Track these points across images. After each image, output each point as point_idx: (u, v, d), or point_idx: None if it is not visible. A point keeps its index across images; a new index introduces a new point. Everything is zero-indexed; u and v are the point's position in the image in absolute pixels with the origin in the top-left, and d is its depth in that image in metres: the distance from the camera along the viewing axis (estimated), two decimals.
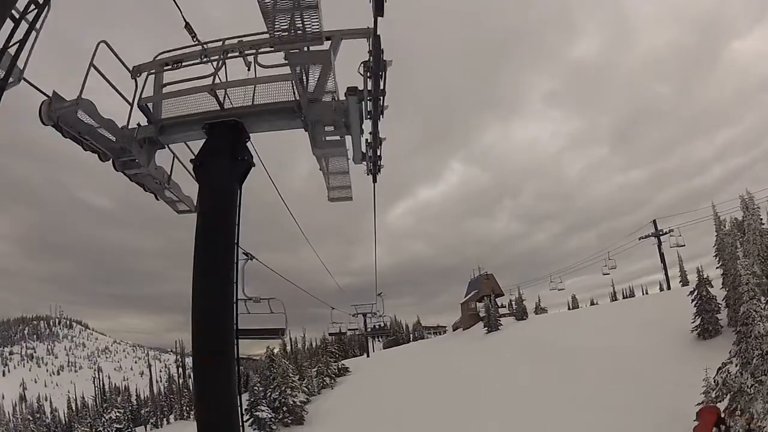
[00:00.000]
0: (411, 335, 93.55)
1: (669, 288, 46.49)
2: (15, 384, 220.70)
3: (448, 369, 41.33)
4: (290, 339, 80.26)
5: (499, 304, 65.57)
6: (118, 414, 52.48)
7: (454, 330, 73.14)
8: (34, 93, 5.22)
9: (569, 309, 73.02)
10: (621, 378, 26.02)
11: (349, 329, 68.94)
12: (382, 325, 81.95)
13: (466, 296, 68.43)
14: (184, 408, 62.67)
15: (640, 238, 47.86)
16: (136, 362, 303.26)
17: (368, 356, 71.70)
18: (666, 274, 47.28)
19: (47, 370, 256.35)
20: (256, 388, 40.62)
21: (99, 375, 76.30)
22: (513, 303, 56.22)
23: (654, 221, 48.19)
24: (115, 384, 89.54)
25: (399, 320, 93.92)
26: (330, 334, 58.73)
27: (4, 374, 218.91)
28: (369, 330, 75.02)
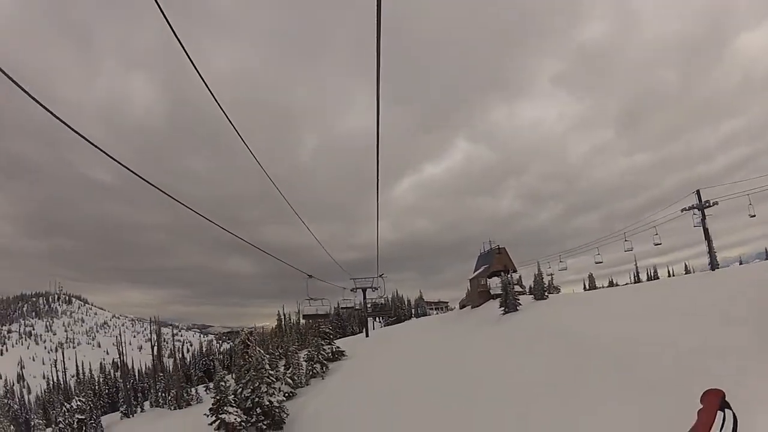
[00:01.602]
0: (413, 310, 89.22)
1: (715, 267, 39.58)
2: (13, 363, 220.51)
3: (459, 357, 34.44)
4: (283, 314, 75.42)
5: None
6: (80, 403, 45.93)
7: (461, 308, 66.80)
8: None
9: (585, 289, 68.32)
10: (687, 382, 18.57)
11: (342, 307, 63.49)
12: (383, 303, 77.18)
13: (475, 271, 62.00)
14: (160, 394, 56.75)
15: (682, 210, 40.78)
16: (134, 336, 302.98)
17: (367, 335, 65.97)
18: (711, 251, 40.33)
19: (45, 347, 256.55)
20: (222, 383, 33.68)
21: (73, 357, 70.75)
22: (525, 281, 51.53)
23: (697, 191, 41.07)
24: (103, 361, 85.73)
25: (400, 295, 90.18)
26: (305, 316, 55.79)
27: (1, 353, 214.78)
28: (369, 307, 69.60)
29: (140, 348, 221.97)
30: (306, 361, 47.17)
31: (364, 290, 63.68)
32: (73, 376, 69.25)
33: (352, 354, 51.40)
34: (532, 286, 47.98)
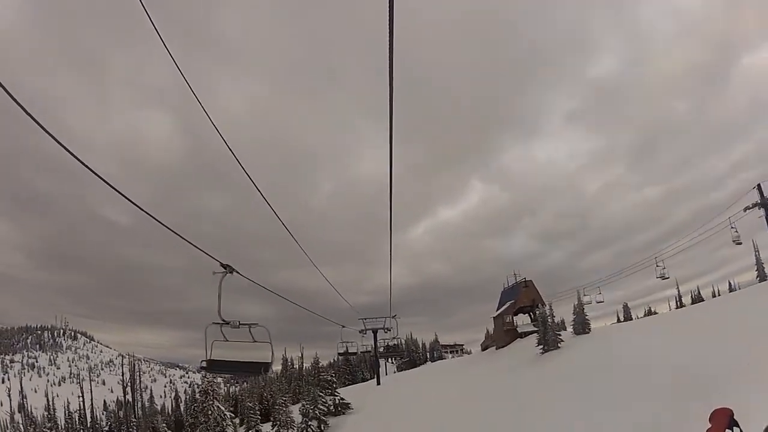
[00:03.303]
0: (428, 354, 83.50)
1: None
2: (13, 393, 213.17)
3: (495, 410, 27.18)
4: (286, 359, 68.13)
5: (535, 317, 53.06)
6: None
7: (483, 349, 59.40)
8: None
9: (618, 321, 61.75)
10: None
11: (361, 351, 56.46)
12: (396, 344, 70.26)
13: (498, 308, 55.17)
14: None
15: (745, 209, 34.77)
16: (139, 376, 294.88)
17: (378, 383, 57.97)
18: None
19: (48, 380, 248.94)
20: None
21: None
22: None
23: (758, 185, 35.09)
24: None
25: (414, 338, 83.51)
26: (340, 354, 50.78)
27: (2, 381, 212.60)
28: (381, 350, 62.60)
29: (146, 388, 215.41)
30: (302, 418, 39.53)
31: (375, 331, 56.45)
32: (76, 410, 62.63)
33: (360, 406, 43.73)
34: (573, 319, 40.63)
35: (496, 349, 52.31)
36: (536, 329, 49.25)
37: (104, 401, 75.89)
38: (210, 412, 29.37)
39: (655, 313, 62.52)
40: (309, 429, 38.03)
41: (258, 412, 41.34)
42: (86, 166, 5.35)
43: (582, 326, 39.45)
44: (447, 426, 27.45)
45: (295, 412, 40.37)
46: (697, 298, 61.07)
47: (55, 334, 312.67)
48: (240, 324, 9.02)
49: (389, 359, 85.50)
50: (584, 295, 42.25)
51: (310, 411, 39.40)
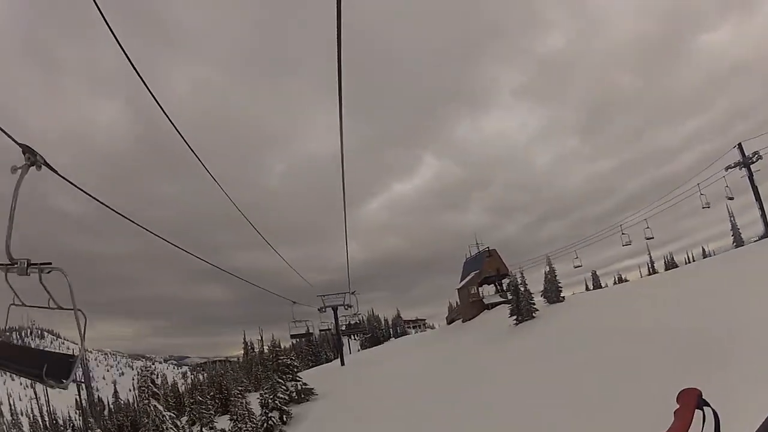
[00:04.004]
0: (390, 330, 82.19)
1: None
2: None
3: (471, 386, 24.90)
4: (246, 343, 64.49)
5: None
6: None
7: (449, 323, 57.54)
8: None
9: (587, 289, 60.67)
10: None
11: (320, 329, 53.17)
12: (357, 321, 68.01)
13: (462, 280, 53.26)
14: None
15: (726, 168, 33.90)
16: (108, 371, 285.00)
17: (342, 363, 54.93)
18: (764, 213, 33.61)
19: (21, 383, 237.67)
20: None
21: None
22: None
23: (739, 144, 34.32)
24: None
25: (375, 314, 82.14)
26: (292, 336, 48.34)
27: None
28: (343, 328, 59.73)
29: (114, 382, 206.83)
30: (262, 409, 35.70)
31: (335, 309, 53.27)
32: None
33: (325, 391, 40.26)
34: (543, 288, 38.62)
35: (463, 322, 50.32)
36: (503, 300, 47.61)
37: (75, 400, 71.53)
38: (148, 412, 26.11)
39: (626, 280, 61.17)
40: (270, 421, 34.60)
41: (211, 406, 38.02)
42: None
43: (555, 295, 37.64)
44: (420, 407, 24.98)
45: (256, 401, 36.87)
46: (671, 264, 60.10)
47: (23, 334, 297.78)
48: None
49: (352, 336, 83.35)
50: (553, 263, 40.26)
51: (270, 401, 35.61)
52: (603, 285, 60.76)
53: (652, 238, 39.73)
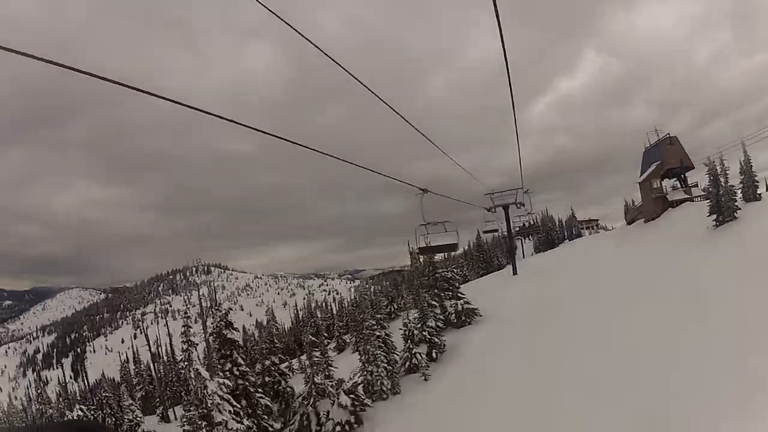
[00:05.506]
0: (564, 232, 78.18)
1: None
2: (146, 343, 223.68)
3: (680, 299, 21.37)
4: (411, 252, 65.79)
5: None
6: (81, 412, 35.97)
7: (629, 223, 54.20)
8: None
9: None
10: None
11: (484, 231, 50.23)
12: (531, 222, 66.73)
13: (642, 173, 48.75)
14: (167, 400, 46.03)
15: None
16: (278, 293, 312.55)
17: (515, 271, 50.40)
18: None
19: (184, 322, 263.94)
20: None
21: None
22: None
23: None
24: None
25: (549, 215, 78.71)
26: (421, 250, 47.13)
27: (135, 337, 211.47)
28: (516, 229, 56.63)
29: (284, 304, 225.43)
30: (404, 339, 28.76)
31: (506, 208, 48.74)
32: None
33: (491, 311, 33.59)
34: (740, 181, 33.25)
35: (645, 222, 46.47)
36: (688, 197, 43.64)
37: (243, 327, 77.34)
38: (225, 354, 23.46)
39: None
40: (414, 359, 27.81)
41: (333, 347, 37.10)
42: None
43: (752, 191, 32.51)
44: (626, 332, 20.43)
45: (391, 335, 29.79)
46: None
47: (188, 273, 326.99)
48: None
49: (527, 237, 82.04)
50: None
51: (415, 332, 28.80)
52: None
53: None
